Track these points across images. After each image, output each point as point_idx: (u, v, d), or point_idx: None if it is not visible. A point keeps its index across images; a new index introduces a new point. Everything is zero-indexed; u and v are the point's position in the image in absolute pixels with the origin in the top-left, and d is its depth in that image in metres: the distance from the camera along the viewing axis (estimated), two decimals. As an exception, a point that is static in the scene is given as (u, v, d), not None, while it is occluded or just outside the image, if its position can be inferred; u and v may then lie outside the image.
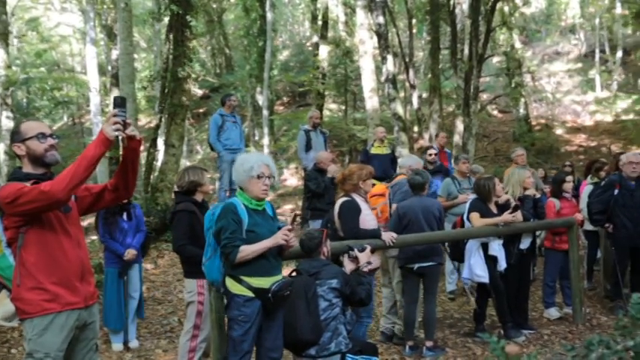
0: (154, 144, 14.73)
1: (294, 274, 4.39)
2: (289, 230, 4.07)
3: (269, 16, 18.48)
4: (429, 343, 5.90)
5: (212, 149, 9.93)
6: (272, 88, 22.94)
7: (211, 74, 30.19)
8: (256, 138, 22.56)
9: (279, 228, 4.20)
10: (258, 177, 4.07)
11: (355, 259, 4.59)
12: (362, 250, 4.62)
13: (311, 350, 4.09)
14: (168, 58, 13.70)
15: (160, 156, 14.68)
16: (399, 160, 7.26)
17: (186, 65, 12.97)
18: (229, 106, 9.59)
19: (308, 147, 9.83)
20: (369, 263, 4.62)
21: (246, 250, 3.93)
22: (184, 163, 18.67)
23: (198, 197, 5.26)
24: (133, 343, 6.64)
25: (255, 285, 3.97)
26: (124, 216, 6.59)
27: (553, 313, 7.15)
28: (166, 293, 8.62)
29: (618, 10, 27.48)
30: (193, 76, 16.41)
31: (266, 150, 18.05)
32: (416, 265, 5.96)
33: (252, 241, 3.99)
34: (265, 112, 18.33)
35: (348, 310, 4.38)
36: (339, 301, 4.20)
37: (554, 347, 5.74)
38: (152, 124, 20.17)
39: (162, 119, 14.08)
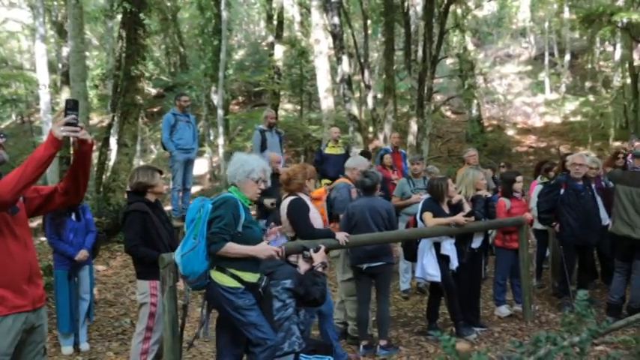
0: (106, 143, 14.50)
1: None
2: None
3: (224, 15, 18.34)
4: (382, 342, 5.94)
5: (164, 149, 9.83)
6: (227, 88, 22.79)
7: (165, 73, 29.81)
8: (211, 138, 22.36)
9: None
10: (257, 181, 4.22)
11: (310, 260, 4.59)
12: (317, 250, 4.64)
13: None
14: (121, 57, 13.51)
15: (113, 155, 14.45)
16: (346, 162, 7.25)
17: (139, 64, 12.80)
18: (181, 105, 9.49)
19: (263, 147, 9.80)
20: (323, 263, 4.63)
21: (232, 248, 3.99)
22: (138, 162, 18.40)
23: (151, 197, 5.19)
24: (84, 346, 6.52)
25: (246, 279, 4.05)
26: (72, 216, 6.46)
27: (503, 310, 7.29)
28: (118, 295, 8.48)
29: (566, 14, 28.16)
30: (147, 74, 16.22)
31: (221, 150, 17.92)
32: (365, 265, 6.02)
33: (249, 236, 4.11)
34: (220, 112, 18.18)
35: (302, 310, 4.38)
36: (292, 301, 4.20)
37: (504, 344, 5.84)
38: (104, 123, 19.84)
39: (115, 118, 13.87)
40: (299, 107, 24.47)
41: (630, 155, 8.84)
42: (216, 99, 19.66)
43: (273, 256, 4.13)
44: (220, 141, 18.08)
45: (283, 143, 10.43)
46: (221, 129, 18.29)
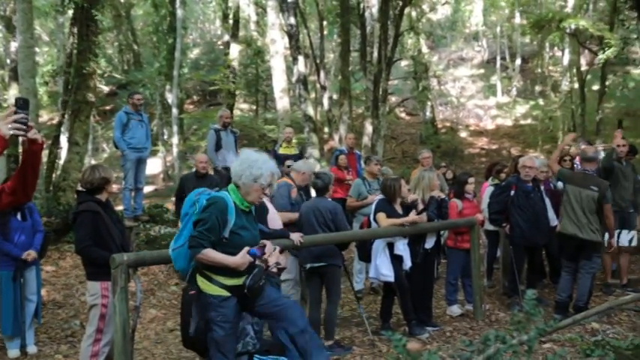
0: (56, 142, 14.19)
1: None
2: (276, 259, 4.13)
3: (179, 13, 18.16)
4: (328, 343, 5.95)
5: (116, 147, 9.68)
6: (182, 87, 22.56)
7: (118, 71, 29.36)
8: (165, 137, 22.14)
9: (260, 231, 4.18)
10: (262, 186, 3.99)
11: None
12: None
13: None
14: (72, 53, 13.24)
15: (63, 154, 14.15)
16: (296, 164, 7.22)
17: (91, 61, 12.57)
18: (134, 104, 9.34)
19: (218, 146, 9.73)
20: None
21: (209, 255, 3.76)
22: (89, 161, 18.08)
23: (103, 196, 5.09)
24: (31, 349, 6.37)
25: (230, 284, 3.86)
26: (18, 216, 6.31)
27: (455, 310, 7.40)
28: (68, 296, 8.31)
29: (517, 19, 28.76)
30: (99, 72, 15.90)
31: (175, 149, 17.74)
32: (308, 265, 6.06)
33: (236, 243, 3.86)
34: (175, 111, 17.99)
35: None
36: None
37: (455, 343, 5.93)
38: (54, 121, 19.41)
39: (66, 116, 13.57)
40: (254, 107, 24.44)
41: (578, 158, 9.09)
42: (170, 98, 19.45)
43: (240, 269, 3.86)
44: (174, 140, 17.91)
45: (238, 143, 10.37)
46: (175, 128, 18.10)
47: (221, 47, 28.59)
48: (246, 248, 3.87)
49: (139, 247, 9.35)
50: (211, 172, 9.29)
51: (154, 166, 19.70)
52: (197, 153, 15.26)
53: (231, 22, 22.60)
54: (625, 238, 7.80)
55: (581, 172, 7.14)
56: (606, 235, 7.69)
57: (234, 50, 21.56)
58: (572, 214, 6.80)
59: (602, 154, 8.68)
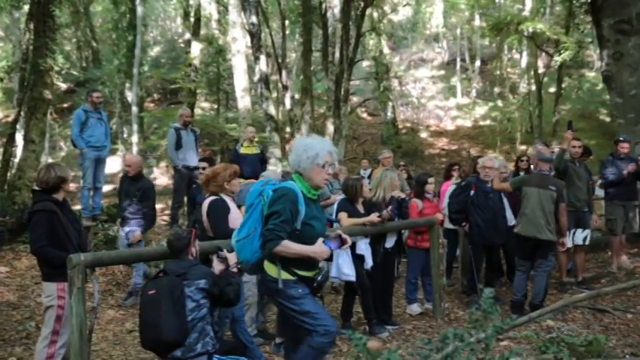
0: (11, 139, 13.86)
1: (160, 274, 4.28)
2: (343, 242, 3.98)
3: (139, 10, 17.94)
4: (278, 340, 5.95)
5: (74, 146, 9.51)
6: (142, 85, 22.31)
7: (77, 68, 28.83)
8: (125, 135, 21.83)
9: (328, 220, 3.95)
10: (323, 166, 3.84)
11: (225, 260, 4.56)
12: (231, 250, 4.60)
13: (177, 352, 4.00)
14: (28, 49, 12.95)
15: (19, 152, 13.84)
16: (263, 173, 7.15)
17: (48, 57, 12.30)
18: (92, 102, 9.18)
19: (178, 145, 9.65)
20: (238, 264, 4.60)
21: (288, 247, 3.70)
22: (46, 160, 17.71)
23: (60, 196, 4.99)
24: (-15, 352, 6.22)
25: (301, 274, 3.83)
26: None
27: (415, 308, 7.47)
28: (23, 297, 8.12)
29: (477, 22, 29.20)
30: (56, 68, 15.58)
31: (135, 148, 17.51)
32: None
33: (308, 234, 3.80)
34: (134, 109, 17.77)
35: (217, 310, 4.33)
36: (207, 301, 4.15)
37: (415, 342, 5.99)
38: (10, 119, 18.97)
39: (22, 113, 13.27)
40: (216, 106, 24.26)
41: (534, 159, 9.28)
42: (130, 96, 19.21)
43: (323, 257, 3.88)
44: (134, 139, 17.68)
45: (199, 142, 10.30)
46: (135, 127, 17.88)
47: (182, 45, 28.36)
48: (322, 239, 3.84)
49: (97, 247, 9.20)
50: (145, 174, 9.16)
51: (113, 165, 19.38)
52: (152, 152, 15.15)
53: (192, 20, 22.39)
54: (580, 236, 8.00)
55: (538, 174, 7.28)
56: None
57: (196, 48, 21.36)
58: (532, 215, 6.93)
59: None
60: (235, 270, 4.48)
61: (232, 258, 4.52)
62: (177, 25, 36.76)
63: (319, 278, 3.87)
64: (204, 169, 7.31)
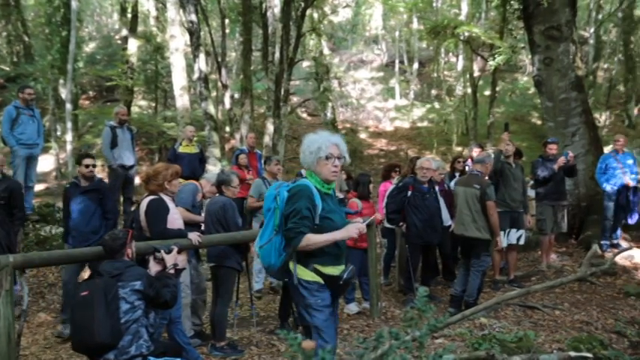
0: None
1: (94, 276, 4.19)
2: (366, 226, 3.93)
3: (74, 4, 17.43)
4: (218, 344, 5.93)
5: (4, 143, 9.21)
6: (76, 81, 21.72)
7: (7, 63, 27.80)
8: (58, 133, 21.19)
9: (346, 213, 3.86)
10: (327, 158, 3.80)
11: (162, 261, 4.50)
12: (169, 251, 4.55)
13: (109, 354, 3.92)
14: (-46, 42, 12.43)
15: (-56, 150, 13.28)
16: (205, 175, 7.07)
17: (-24, 51, 11.85)
18: (24, 98, 8.92)
19: (114, 144, 9.46)
20: (175, 265, 4.55)
21: (313, 239, 3.67)
22: (-27, 158, 17.03)
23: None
24: None
25: (328, 273, 3.77)
26: None
27: (352, 308, 7.54)
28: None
29: (415, 25, 29.69)
30: (-15, 63, 15.02)
31: (69, 146, 17.02)
32: (205, 265, 6.05)
33: (328, 228, 3.75)
34: (68, 106, 17.25)
35: (152, 312, 4.27)
36: (141, 303, 4.08)
37: (352, 341, 6.04)
38: None
39: (-53, 109, 12.74)
40: (154, 104, 23.85)
41: (470, 160, 9.53)
42: (64, 92, 18.65)
43: (353, 237, 3.83)
44: (68, 137, 17.16)
45: (135, 140, 10.12)
46: (69, 124, 17.35)
47: (119, 42, 27.78)
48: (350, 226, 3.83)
49: (29, 247, 8.93)
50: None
51: (45, 163, 18.81)
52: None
53: (129, 16, 21.96)
54: (514, 236, 8.25)
55: (469, 174, 7.49)
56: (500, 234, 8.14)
57: (133, 45, 20.97)
58: (460, 214, 7.17)
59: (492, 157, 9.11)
60: (172, 271, 4.43)
61: (170, 259, 4.47)
62: (113, 21, 36.00)
63: (346, 275, 3.83)
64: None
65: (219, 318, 6.04)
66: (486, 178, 7.41)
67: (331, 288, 3.82)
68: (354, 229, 3.78)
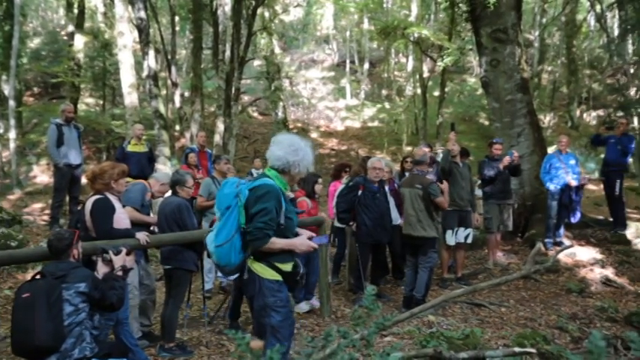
0: None
1: (37, 277, 4.08)
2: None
3: (17, -2, 16.95)
4: (167, 345, 5.86)
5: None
6: (20, 78, 21.15)
7: (-55, 57, 26.87)
8: (1, 131, 20.58)
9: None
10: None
11: (110, 262, 4.42)
12: (117, 252, 4.47)
13: (51, 358, 3.82)
14: None
15: None
16: (155, 174, 6.93)
17: None
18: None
19: (60, 142, 9.25)
20: (124, 266, 4.48)
21: (276, 243, 3.78)
22: None
23: None
24: None
25: (284, 269, 3.86)
26: None
27: (303, 307, 7.54)
28: None
29: (366, 25, 29.90)
30: None
31: (12, 144, 16.55)
32: (154, 265, 5.99)
33: (289, 227, 3.91)
34: (12, 103, 16.76)
35: (97, 314, 4.18)
36: (86, 305, 4.00)
37: (302, 340, 6.05)
38: None
39: None
40: (101, 102, 23.39)
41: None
42: (7, 89, 18.11)
43: (308, 251, 4.00)
44: (12, 135, 16.67)
45: (83, 139, 9.92)
46: (12, 122, 16.86)
47: (65, 38, 27.04)
48: (307, 235, 4.04)
49: (-31, 249, 8.65)
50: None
51: (-13, 161, 18.26)
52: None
53: (76, 11, 21.46)
54: (462, 235, 8.40)
55: (412, 174, 7.59)
56: (448, 233, 8.28)
57: (79, 42, 20.49)
58: (406, 214, 7.30)
59: (440, 156, 9.25)
60: (120, 273, 4.36)
61: (118, 261, 4.39)
62: (59, 16, 35.14)
63: (302, 270, 3.96)
64: None
65: (170, 319, 5.97)
66: (428, 176, 7.52)
67: (288, 284, 3.91)
68: (308, 245, 3.96)
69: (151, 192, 6.40)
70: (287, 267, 3.88)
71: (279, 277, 3.84)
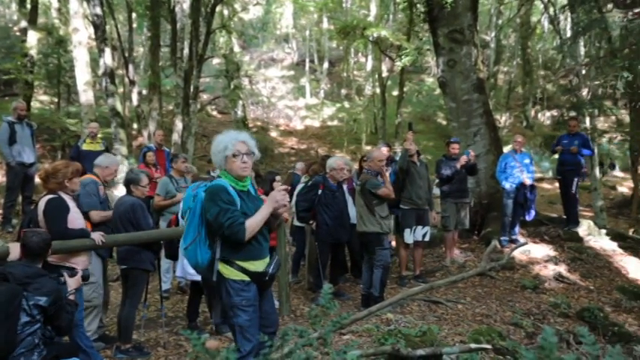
0: None
1: None
2: (286, 190, 3.98)
3: (-33, -7, 16.51)
4: (123, 346, 5.79)
5: None
6: (-31, 74, 20.59)
7: None
8: (-50, 128, 20.03)
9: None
10: (234, 155, 3.89)
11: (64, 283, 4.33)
12: (72, 275, 4.36)
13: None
14: None
15: None
16: (97, 159, 6.74)
17: None
18: None
19: (12, 140, 9.07)
20: (76, 290, 4.39)
21: (252, 224, 3.78)
22: None
23: None
24: None
25: (252, 269, 3.86)
26: None
27: (262, 306, 7.54)
28: None
29: (325, 24, 29.97)
30: None
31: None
32: (118, 267, 5.90)
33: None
34: (-39, 100, 16.34)
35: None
36: (42, 317, 3.90)
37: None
38: None
39: None
40: (56, 99, 22.91)
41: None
42: (-44, 86, 17.63)
43: (280, 204, 3.90)
44: (-39, 133, 16.25)
45: (36, 137, 9.71)
46: (-38, 119, 16.43)
47: (18, 34, 26.40)
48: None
49: None
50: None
51: None
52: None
53: (28, 6, 20.98)
54: (419, 233, 8.48)
55: (364, 173, 7.63)
56: (406, 232, 8.34)
57: (33, 38, 20.01)
58: (359, 213, 7.33)
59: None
60: (72, 297, 4.28)
61: (72, 283, 4.29)
62: (11, 11, 34.25)
63: (271, 270, 3.95)
64: None
65: (127, 320, 5.88)
66: (370, 174, 7.54)
67: (257, 283, 3.91)
68: (277, 194, 3.91)
69: (102, 185, 6.28)
70: (253, 266, 3.87)
71: (244, 277, 3.85)
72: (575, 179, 10.15)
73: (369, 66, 27.25)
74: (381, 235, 7.22)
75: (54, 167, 5.11)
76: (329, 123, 27.83)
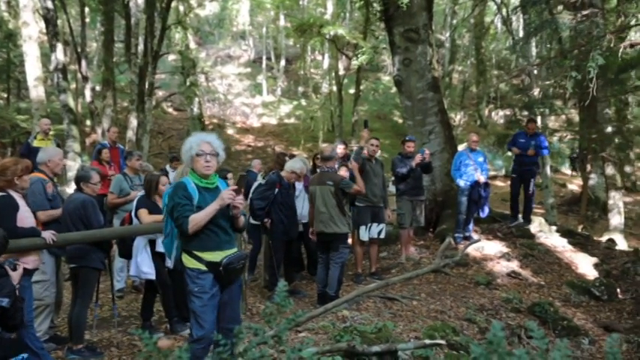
0: None
1: None
2: (235, 190, 4.13)
3: None
4: (75, 347, 5.68)
5: None
6: None
7: None
8: None
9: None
10: (198, 155, 4.17)
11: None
12: (14, 268, 4.25)
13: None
14: None
15: None
16: (39, 156, 6.52)
17: None
18: None
19: (-42, 137, 8.78)
20: (19, 283, 4.28)
21: (196, 218, 4.04)
22: None
23: None
24: None
25: (208, 259, 4.13)
26: None
27: (216, 304, 7.49)
28: None
29: (282, 22, 29.92)
30: None
31: None
32: (67, 266, 5.78)
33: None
34: None
35: None
36: (-1, 318, 3.81)
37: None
38: None
39: None
40: (6, 95, 22.36)
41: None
42: None
43: (226, 202, 4.10)
44: None
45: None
46: None
47: (-35, 27, 25.67)
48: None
49: None
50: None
51: None
52: None
53: (-23, -1, 20.44)
54: (375, 230, 8.53)
55: (319, 172, 7.65)
56: (361, 229, 8.39)
57: (-19, 31, 19.53)
58: (317, 212, 7.31)
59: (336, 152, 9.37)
60: (18, 293, 4.17)
61: (15, 277, 4.18)
62: (-41, 4, 33.26)
63: (225, 261, 4.11)
64: None
65: (78, 319, 5.77)
66: (337, 173, 7.59)
67: (214, 274, 4.14)
68: (224, 193, 4.10)
69: (50, 182, 6.14)
70: (209, 256, 4.14)
71: (200, 266, 4.13)
72: (533, 179, 10.39)
73: (325, 64, 27.32)
74: (347, 234, 7.30)
75: (3, 164, 4.97)
76: (286, 121, 27.81)
